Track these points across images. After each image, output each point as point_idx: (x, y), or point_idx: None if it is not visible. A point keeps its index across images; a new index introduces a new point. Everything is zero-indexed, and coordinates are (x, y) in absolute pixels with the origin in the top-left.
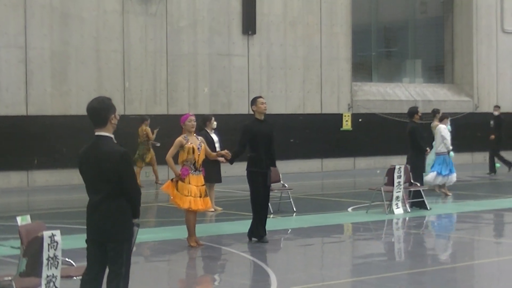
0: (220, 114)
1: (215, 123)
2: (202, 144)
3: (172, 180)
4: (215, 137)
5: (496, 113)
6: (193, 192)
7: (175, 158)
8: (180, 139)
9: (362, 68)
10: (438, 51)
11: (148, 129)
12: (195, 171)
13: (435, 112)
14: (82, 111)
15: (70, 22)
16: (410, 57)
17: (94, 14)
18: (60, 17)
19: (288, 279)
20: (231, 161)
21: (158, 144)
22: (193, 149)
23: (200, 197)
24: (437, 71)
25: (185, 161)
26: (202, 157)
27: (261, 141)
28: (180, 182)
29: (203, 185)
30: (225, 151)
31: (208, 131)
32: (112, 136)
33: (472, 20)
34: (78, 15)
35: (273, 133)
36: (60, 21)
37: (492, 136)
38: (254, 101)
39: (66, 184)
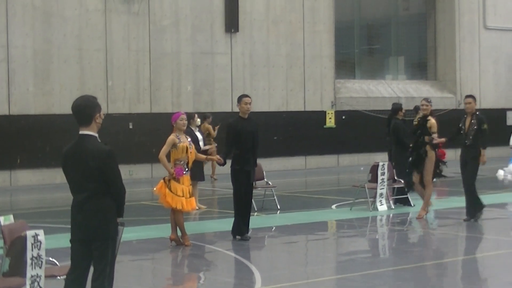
0: (203, 112)
1: (198, 120)
2: (192, 144)
3: (164, 179)
4: (199, 135)
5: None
6: (185, 193)
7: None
8: (172, 137)
9: (345, 65)
10: (421, 48)
11: (210, 127)
12: (186, 171)
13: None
14: (65, 110)
15: (52, 21)
16: (393, 54)
17: (76, 13)
18: (42, 16)
19: (273, 277)
20: (223, 164)
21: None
22: (187, 148)
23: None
24: (420, 68)
25: (178, 160)
26: (193, 156)
27: (245, 139)
28: (173, 182)
29: (190, 184)
30: (216, 157)
31: (192, 128)
32: (96, 135)
33: (455, 17)
34: (60, 14)
35: (257, 130)
36: (42, 20)
37: None
38: (239, 100)
39: (49, 184)
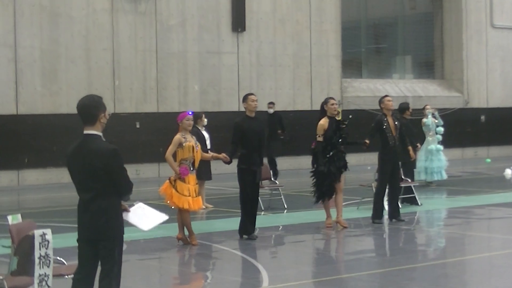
0: (210, 111)
1: (205, 120)
2: (198, 143)
3: (169, 179)
4: (206, 134)
5: (271, 110)
6: (191, 192)
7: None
8: (178, 137)
9: (352, 64)
10: (427, 47)
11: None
12: (192, 170)
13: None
14: (72, 109)
15: (60, 21)
16: (399, 53)
17: (83, 13)
18: (49, 16)
19: (280, 276)
20: (229, 162)
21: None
22: (193, 147)
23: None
24: (427, 67)
25: (184, 160)
26: (199, 156)
27: (251, 138)
28: (179, 182)
29: (196, 183)
30: (222, 155)
31: (199, 128)
32: (101, 134)
33: (462, 15)
34: (67, 14)
35: (264, 130)
36: (49, 20)
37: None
38: (245, 98)
39: (56, 183)
